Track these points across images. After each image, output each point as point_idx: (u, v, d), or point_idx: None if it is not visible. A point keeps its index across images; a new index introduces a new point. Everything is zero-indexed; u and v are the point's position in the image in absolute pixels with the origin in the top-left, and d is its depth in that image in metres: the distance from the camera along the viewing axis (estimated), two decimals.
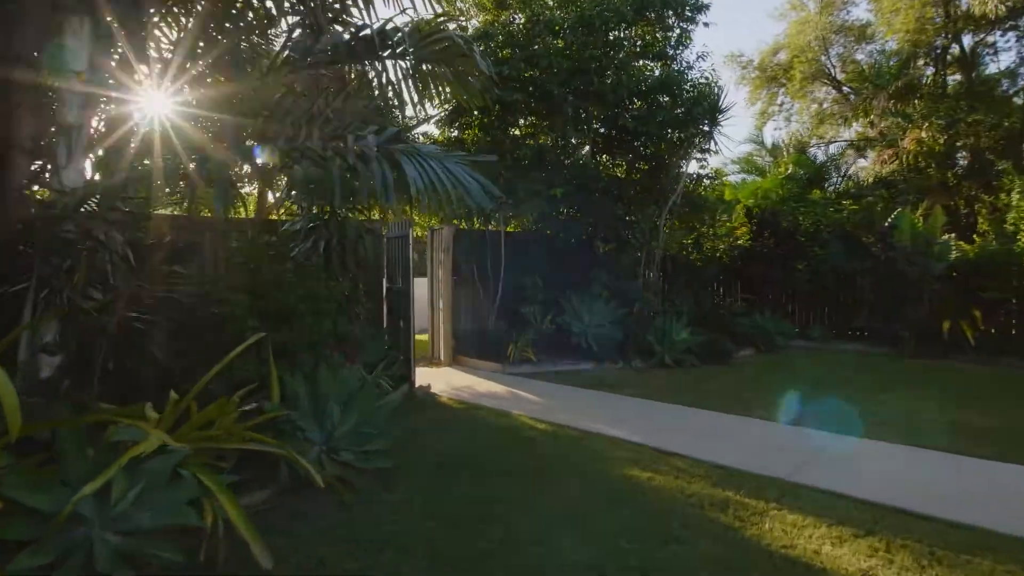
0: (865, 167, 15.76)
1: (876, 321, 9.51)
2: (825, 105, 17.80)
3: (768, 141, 17.13)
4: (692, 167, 11.82)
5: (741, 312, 10.10)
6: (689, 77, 10.20)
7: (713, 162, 23.32)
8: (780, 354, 9.38)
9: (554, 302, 9.22)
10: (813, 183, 14.18)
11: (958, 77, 15.02)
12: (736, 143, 24.73)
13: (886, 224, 9.69)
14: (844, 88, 16.79)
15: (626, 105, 9.66)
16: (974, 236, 10.08)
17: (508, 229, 11.25)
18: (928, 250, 8.85)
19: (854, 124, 16.10)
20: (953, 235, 9.54)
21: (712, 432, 5.21)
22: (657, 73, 10.04)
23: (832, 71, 16.83)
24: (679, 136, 10.00)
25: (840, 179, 14.58)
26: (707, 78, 10.34)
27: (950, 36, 14.24)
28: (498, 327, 9.33)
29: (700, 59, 10.32)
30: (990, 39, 14.31)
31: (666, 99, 10.10)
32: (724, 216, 13.04)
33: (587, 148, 10.72)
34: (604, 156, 10.67)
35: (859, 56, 16.90)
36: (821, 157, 16.30)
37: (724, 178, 16.52)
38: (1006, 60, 17.29)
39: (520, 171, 9.49)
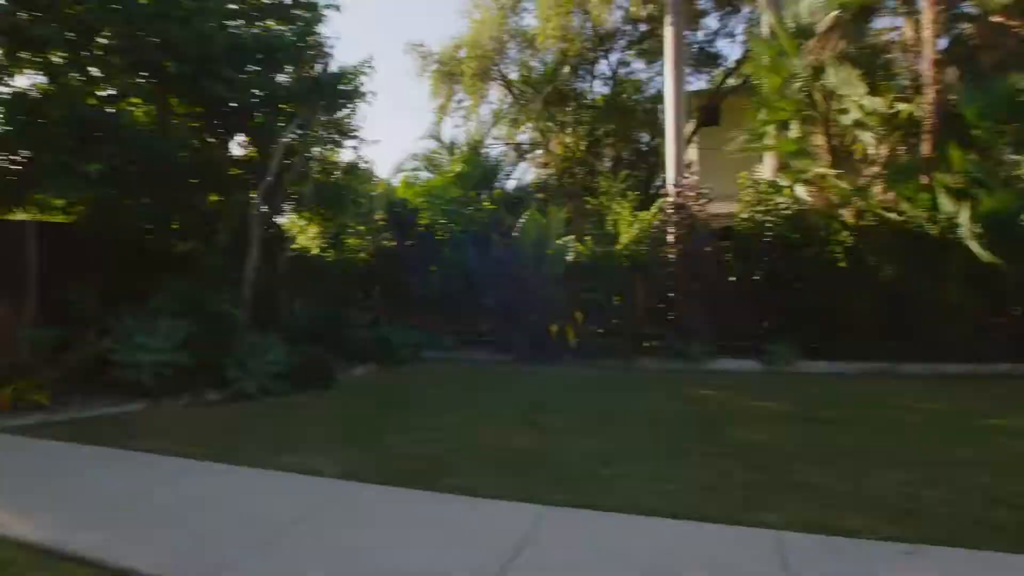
0: (531, 170, 16.29)
1: (499, 326, 9.11)
2: (506, 106, 18.12)
3: (448, 138, 16.69)
4: (346, 155, 10.36)
5: (366, 323, 8.84)
6: (310, 42, 8.59)
7: (396, 155, 22.39)
8: (402, 369, 8.33)
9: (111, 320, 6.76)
10: (485, 184, 13.91)
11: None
12: (424, 137, 23.94)
13: (514, 225, 9.35)
14: (516, 91, 17.20)
15: (217, 66, 7.53)
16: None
17: (59, 220, 8.27)
18: (540, 252, 8.67)
19: (524, 127, 16.51)
20: (572, 237, 9.59)
21: (191, 502, 3.46)
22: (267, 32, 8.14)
23: (504, 73, 17.09)
24: (289, 112, 8.28)
25: (505, 180, 14.60)
26: (331, 47, 8.88)
27: (598, 51, 15.33)
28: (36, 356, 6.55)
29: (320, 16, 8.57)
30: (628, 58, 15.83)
31: (288, 68, 8.44)
32: (380, 213, 11.85)
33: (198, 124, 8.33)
34: (188, 125, 8.34)
35: (534, 63, 17.51)
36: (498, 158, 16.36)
37: (405, 173, 15.61)
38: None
39: (52, 139, 6.76)
